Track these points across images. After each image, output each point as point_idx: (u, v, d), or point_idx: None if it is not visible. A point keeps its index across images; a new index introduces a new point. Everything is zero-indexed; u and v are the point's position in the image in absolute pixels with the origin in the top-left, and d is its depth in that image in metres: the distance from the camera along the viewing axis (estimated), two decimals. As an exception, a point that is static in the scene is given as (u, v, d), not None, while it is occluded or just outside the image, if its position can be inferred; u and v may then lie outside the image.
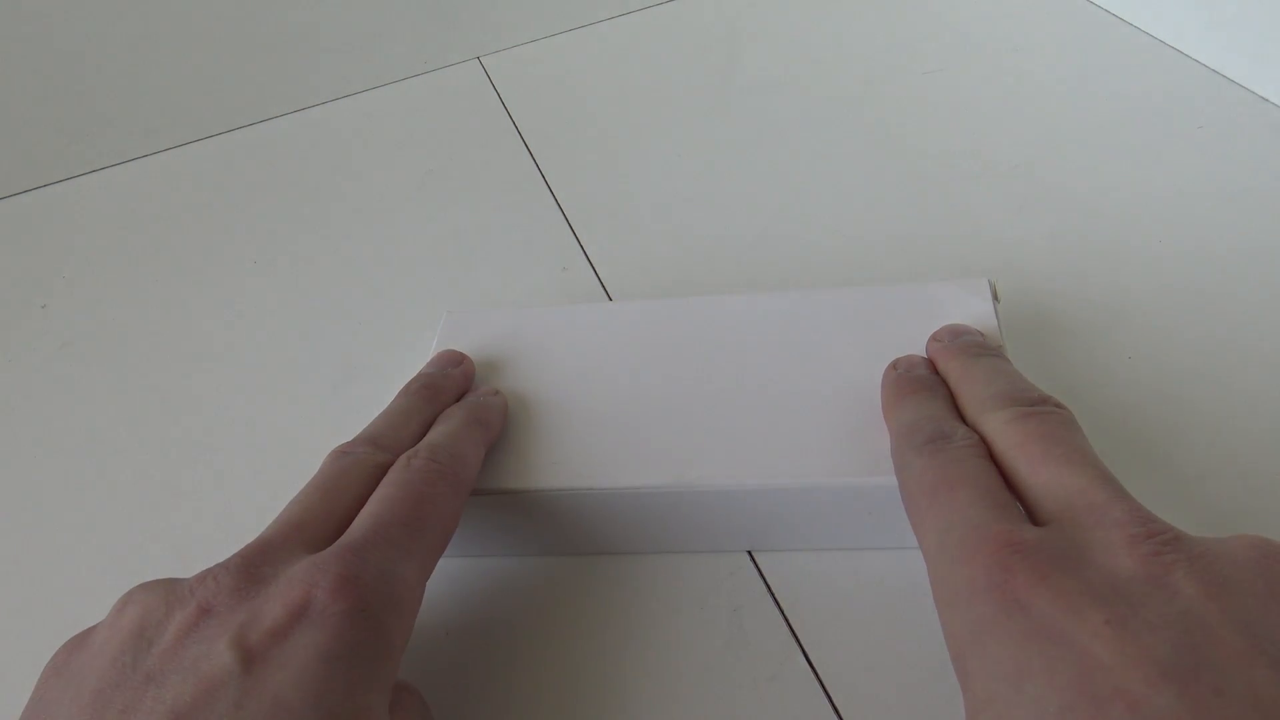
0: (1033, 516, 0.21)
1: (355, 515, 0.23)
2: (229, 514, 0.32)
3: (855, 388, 0.27)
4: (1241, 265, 0.34)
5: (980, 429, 0.23)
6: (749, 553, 0.28)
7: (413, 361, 0.35)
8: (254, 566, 0.21)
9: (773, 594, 0.27)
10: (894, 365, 0.27)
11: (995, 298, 0.29)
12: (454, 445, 0.26)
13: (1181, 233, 0.35)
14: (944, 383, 0.26)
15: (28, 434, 0.37)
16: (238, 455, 0.34)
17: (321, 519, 0.23)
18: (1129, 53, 0.45)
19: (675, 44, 0.53)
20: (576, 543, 0.28)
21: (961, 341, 0.27)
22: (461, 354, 0.31)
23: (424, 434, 0.27)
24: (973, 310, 0.29)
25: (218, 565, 0.21)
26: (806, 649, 0.25)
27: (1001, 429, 0.22)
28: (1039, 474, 0.21)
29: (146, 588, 0.21)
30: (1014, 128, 0.42)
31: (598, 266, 0.39)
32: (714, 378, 0.29)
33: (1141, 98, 0.43)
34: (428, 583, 0.23)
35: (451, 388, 0.29)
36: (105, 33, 0.58)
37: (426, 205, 0.44)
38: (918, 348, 0.28)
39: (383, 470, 0.25)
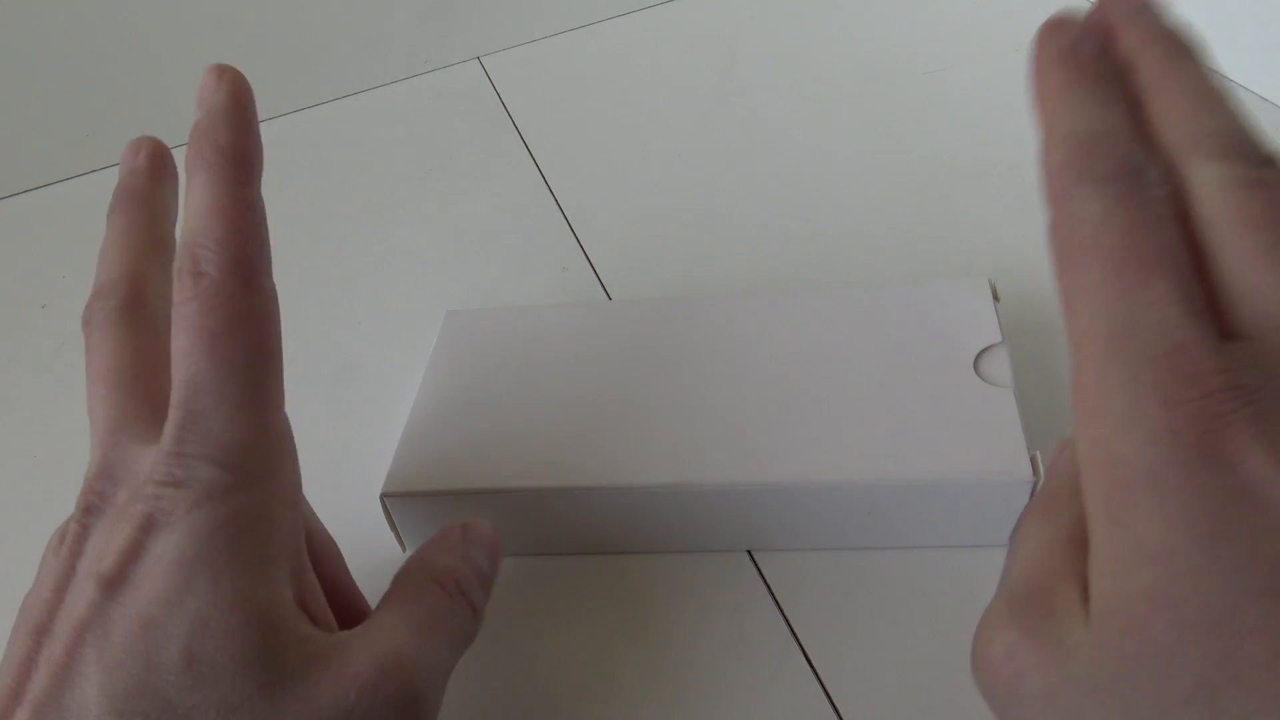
0: (1221, 317, 0.16)
1: (158, 372, 0.21)
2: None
3: (855, 386, 0.27)
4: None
5: (1182, 173, 0.17)
6: (749, 552, 0.28)
7: (413, 361, 0.35)
8: (99, 494, 0.20)
9: (773, 594, 0.27)
10: (1054, 28, 0.19)
11: (995, 297, 0.29)
12: (222, 226, 0.20)
13: (1181, 233, 0.35)
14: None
15: (28, 434, 0.37)
16: (238, 455, 0.34)
17: (131, 409, 0.20)
18: (1129, 53, 0.45)
19: (675, 44, 0.53)
20: (576, 542, 0.28)
21: (1161, 27, 0.18)
22: (142, 140, 0.25)
23: (156, 253, 0.23)
24: (973, 310, 0.29)
25: (76, 509, 0.20)
26: (806, 649, 0.25)
27: (1218, 193, 0.16)
28: (1250, 273, 0.16)
29: (50, 547, 0.20)
30: (1014, 128, 0.42)
31: (598, 266, 0.39)
32: (714, 377, 0.29)
33: (1141, 98, 0.43)
34: None
35: (155, 190, 0.24)
36: (105, 33, 0.58)
37: (426, 205, 0.44)
38: (918, 347, 0.28)
39: (134, 312, 0.22)
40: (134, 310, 0.22)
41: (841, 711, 0.24)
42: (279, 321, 0.21)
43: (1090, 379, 0.16)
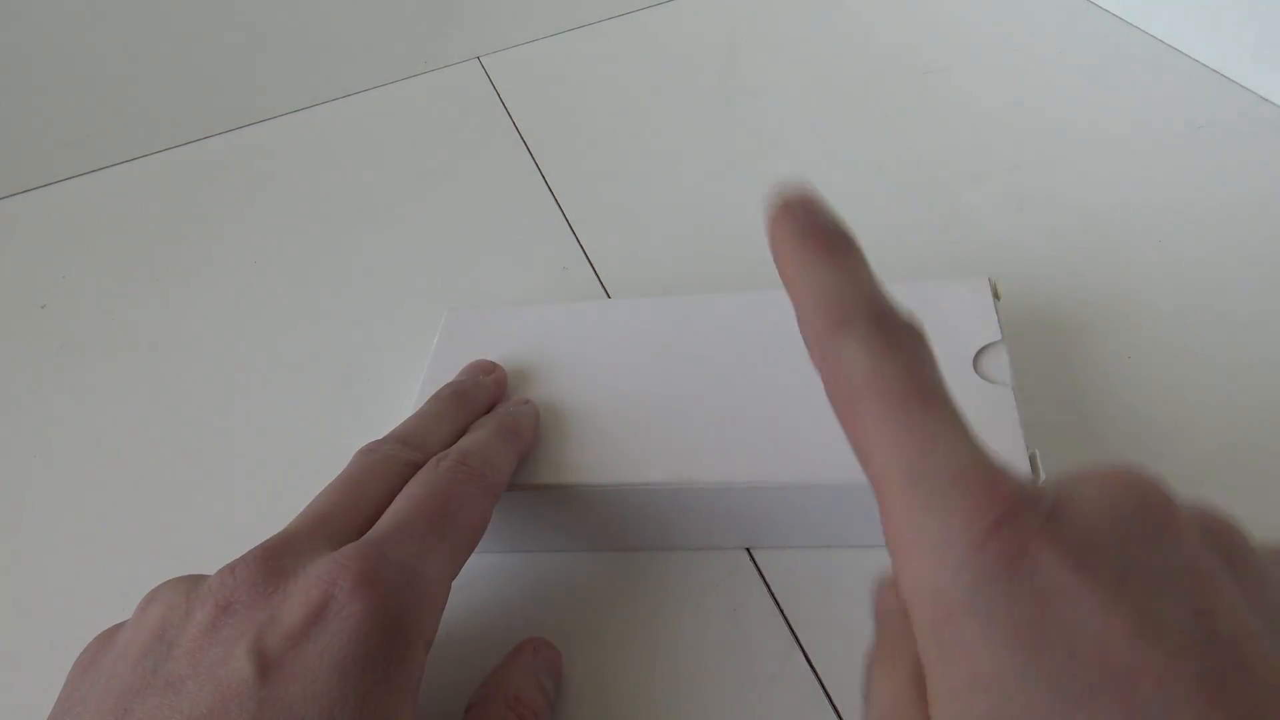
0: None
1: (381, 512, 0.23)
2: (230, 514, 0.32)
3: None
4: (1241, 265, 0.34)
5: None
6: (748, 550, 0.28)
7: (413, 361, 0.35)
8: (274, 559, 0.20)
9: (771, 592, 0.27)
10: (785, 206, 0.20)
11: (995, 296, 0.29)
12: (484, 450, 0.25)
13: (1181, 232, 0.35)
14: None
15: (28, 434, 0.37)
16: (238, 455, 0.34)
17: (346, 514, 0.23)
18: (1129, 53, 0.45)
19: (675, 44, 0.53)
20: (574, 539, 0.28)
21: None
22: (493, 363, 0.30)
23: (455, 439, 0.27)
24: (973, 308, 0.29)
25: (239, 559, 0.21)
26: (806, 648, 0.25)
27: None
28: None
29: (170, 585, 0.21)
30: (1014, 128, 0.42)
31: (598, 266, 0.39)
32: (714, 375, 0.29)
33: (1141, 98, 0.43)
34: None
35: (483, 395, 0.29)
36: (105, 33, 0.58)
37: (426, 205, 0.44)
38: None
39: (411, 469, 0.25)
40: (406, 466, 0.25)
41: (841, 712, 0.24)
42: (484, 529, 0.24)
43: (898, 518, 0.16)
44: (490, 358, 0.31)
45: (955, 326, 0.28)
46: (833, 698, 0.24)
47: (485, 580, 0.28)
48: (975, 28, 0.49)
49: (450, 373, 0.30)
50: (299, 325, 0.39)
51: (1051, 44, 0.47)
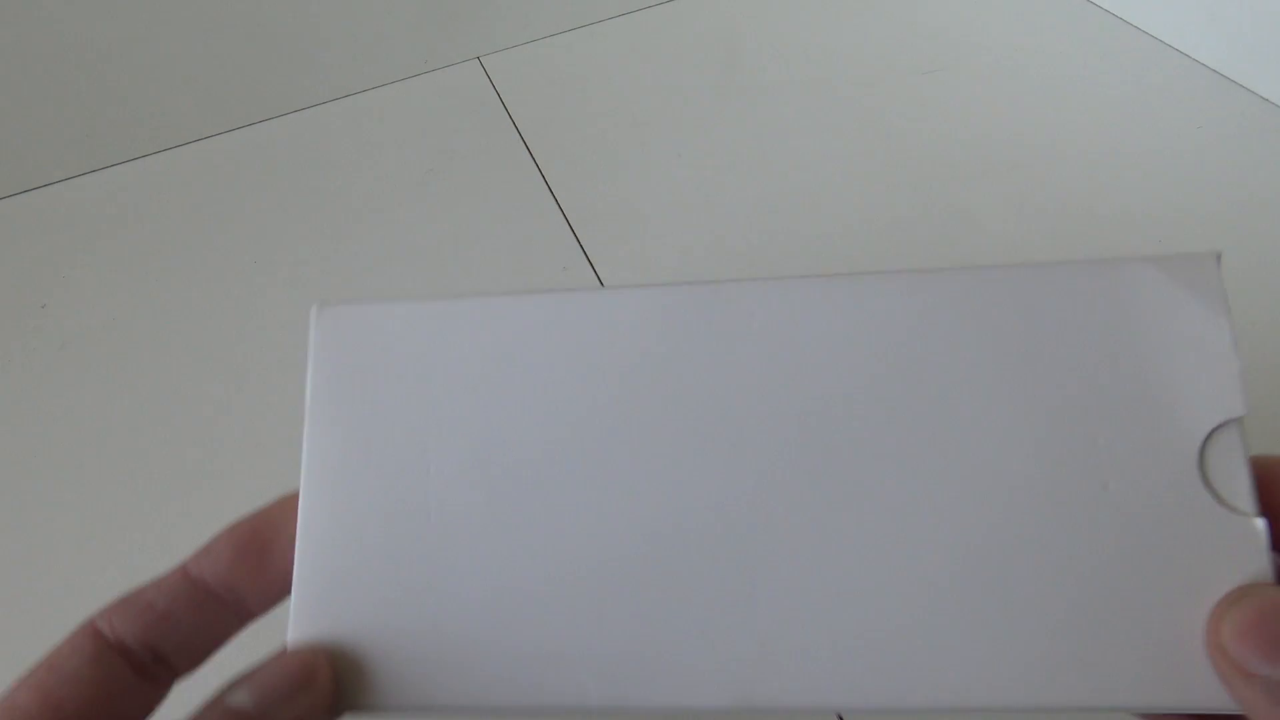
0: None
1: None
2: (228, 514, 0.32)
3: (974, 501, 0.15)
4: (1241, 265, 0.34)
5: None
6: None
7: (413, 361, 0.35)
8: None
9: None
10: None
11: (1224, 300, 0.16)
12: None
13: (1181, 232, 0.35)
14: None
15: (28, 434, 0.37)
16: (238, 454, 0.34)
17: None
18: (1129, 53, 0.45)
19: (675, 44, 0.53)
20: None
21: None
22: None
23: None
24: (1192, 324, 0.16)
25: None
26: None
27: None
28: None
29: None
30: (1014, 128, 0.42)
31: (598, 266, 0.39)
32: (751, 472, 0.15)
33: (1141, 98, 0.43)
34: None
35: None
36: (105, 33, 0.58)
37: (426, 205, 0.44)
38: (1092, 406, 0.16)
39: None
40: None
41: None
42: None
43: None
44: (401, 406, 0.18)
45: (1162, 366, 0.16)
46: None
47: None
48: (975, 28, 0.49)
49: (336, 388, 0.19)
50: (299, 325, 0.39)
51: (1051, 44, 0.47)
